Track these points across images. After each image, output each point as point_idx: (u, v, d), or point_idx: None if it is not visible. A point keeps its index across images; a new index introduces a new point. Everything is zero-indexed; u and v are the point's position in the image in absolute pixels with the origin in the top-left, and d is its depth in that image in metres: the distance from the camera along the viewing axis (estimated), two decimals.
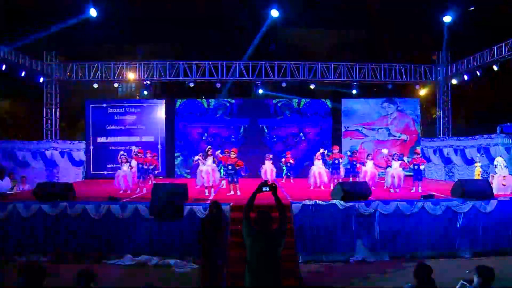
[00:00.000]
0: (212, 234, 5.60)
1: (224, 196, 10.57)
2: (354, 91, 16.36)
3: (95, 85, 15.75)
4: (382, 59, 16.16)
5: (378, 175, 13.02)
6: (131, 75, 15.81)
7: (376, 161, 14.07)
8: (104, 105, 16.40)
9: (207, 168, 10.74)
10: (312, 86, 15.79)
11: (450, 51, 16.23)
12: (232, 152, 11.22)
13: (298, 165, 16.60)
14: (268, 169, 13.62)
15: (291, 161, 14.43)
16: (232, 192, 10.89)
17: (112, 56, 15.73)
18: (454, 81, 16.14)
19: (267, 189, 4.15)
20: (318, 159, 12.55)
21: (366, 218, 8.65)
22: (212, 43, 15.53)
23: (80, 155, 16.07)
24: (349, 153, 14.27)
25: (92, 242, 8.49)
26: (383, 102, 17.06)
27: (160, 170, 15.84)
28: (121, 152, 11.83)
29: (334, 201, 8.69)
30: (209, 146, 11.31)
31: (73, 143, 15.98)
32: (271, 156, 13.88)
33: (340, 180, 12.14)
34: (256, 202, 4.43)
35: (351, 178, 13.14)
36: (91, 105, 16.32)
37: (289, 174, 14.60)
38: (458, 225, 8.82)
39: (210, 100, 16.71)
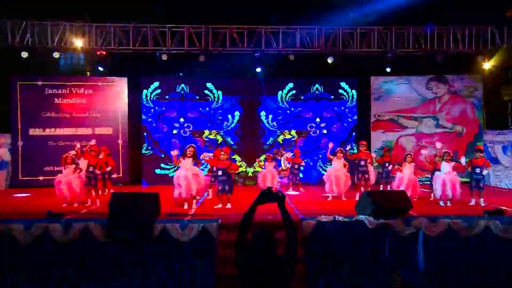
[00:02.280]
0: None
1: (210, 209, 10.70)
2: (388, 69, 16.29)
3: (24, 54, 15.47)
4: (429, 20, 16.07)
5: (421, 181, 13.05)
6: (78, 42, 15.63)
7: (419, 162, 14.13)
8: (39, 83, 16.35)
9: (186, 173, 10.76)
10: (330, 60, 15.74)
11: None
12: (222, 153, 11.33)
13: (311, 167, 16.67)
14: (268, 174, 13.66)
15: (302, 163, 14.58)
16: (220, 205, 11.02)
17: (50, 13, 15.48)
18: None
19: (271, 200, 4.13)
20: (339, 158, 12.62)
21: (406, 242, 8.65)
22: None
23: (2, 154, 16.03)
24: (374, 155, 14.19)
25: (18, 278, 8.36)
26: (429, 81, 17.12)
27: (120, 175, 15.83)
28: (72, 153, 11.79)
29: (361, 217, 8.71)
30: (190, 145, 11.33)
31: None
32: (271, 155, 13.95)
33: (369, 189, 12.21)
34: (255, 217, 4.39)
35: (382, 185, 13.18)
36: (19, 83, 16.26)
37: (298, 179, 14.69)
38: None
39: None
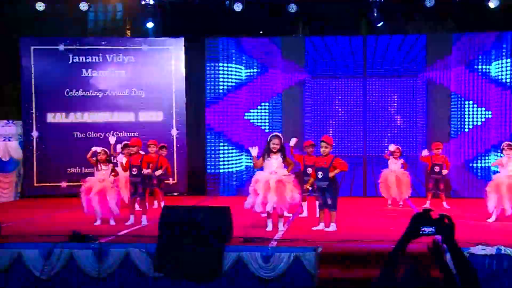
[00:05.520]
0: None
1: (306, 232, 10.59)
2: None
3: (40, 6, 15.88)
4: None
5: None
6: None
7: None
8: (61, 47, 16.74)
9: (269, 178, 10.69)
10: (492, 3, 15.22)
11: None
12: (323, 143, 11.03)
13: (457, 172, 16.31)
14: (392, 179, 13.62)
15: (446, 163, 14.32)
16: (321, 226, 10.93)
17: None
18: None
19: (432, 230, 3.90)
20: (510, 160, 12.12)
21: None
22: None
23: (10, 150, 16.48)
24: None
25: None
26: None
27: (175, 181, 16.08)
28: (97, 149, 11.95)
29: None
30: (275, 133, 11.18)
31: None
32: (399, 149, 14.02)
33: None
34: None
35: None
36: (32, 48, 16.71)
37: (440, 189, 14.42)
38: None
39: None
